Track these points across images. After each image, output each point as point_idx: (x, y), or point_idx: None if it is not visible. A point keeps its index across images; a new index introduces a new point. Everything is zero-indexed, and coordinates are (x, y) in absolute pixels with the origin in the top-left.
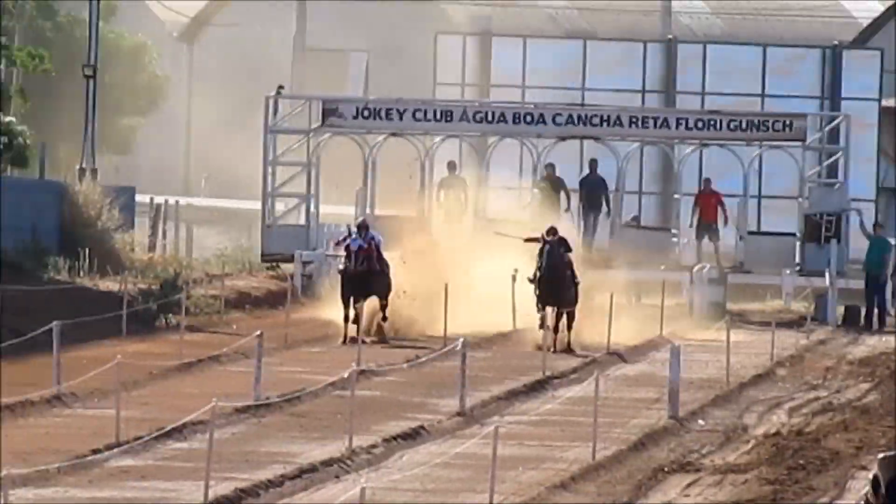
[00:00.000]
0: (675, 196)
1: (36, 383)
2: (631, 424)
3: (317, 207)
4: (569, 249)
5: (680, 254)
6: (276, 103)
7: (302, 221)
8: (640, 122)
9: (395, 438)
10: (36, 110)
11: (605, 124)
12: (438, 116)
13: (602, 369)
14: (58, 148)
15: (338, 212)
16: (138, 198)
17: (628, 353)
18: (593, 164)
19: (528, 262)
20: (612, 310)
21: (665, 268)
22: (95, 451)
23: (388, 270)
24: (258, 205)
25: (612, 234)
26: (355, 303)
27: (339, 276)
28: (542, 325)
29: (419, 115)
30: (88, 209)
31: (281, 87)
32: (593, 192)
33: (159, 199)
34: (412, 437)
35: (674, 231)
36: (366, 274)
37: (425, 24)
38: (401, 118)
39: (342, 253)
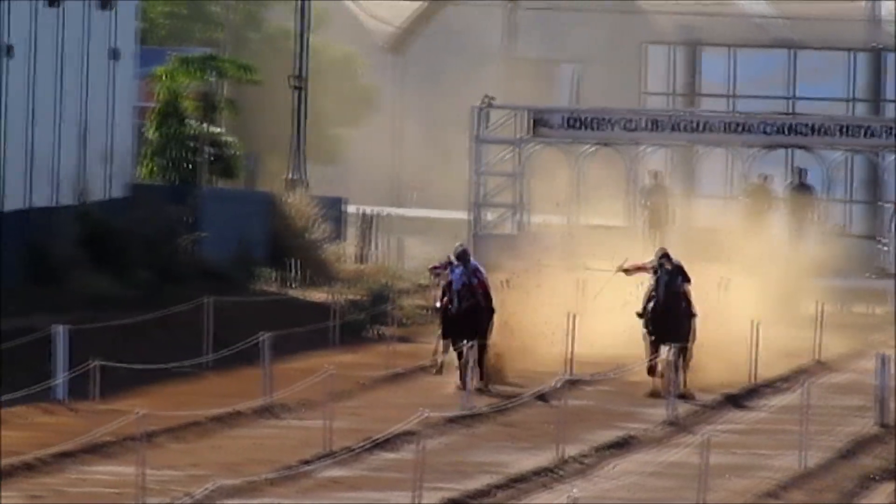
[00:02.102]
0: (880, 204)
1: (245, 394)
2: (839, 432)
3: (527, 217)
4: (686, 279)
5: (885, 262)
6: (484, 113)
7: (511, 230)
8: (848, 131)
9: (605, 447)
10: (244, 121)
11: (813, 133)
12: (646, 126)
13: (810, 378)
14: (266, 159)
15: (546, 221)
16: (348, 208)
17: (835, 361)
18: (801, 173)
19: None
20: (820, 318)
21: (871, 276)
22: (305, 462)
23: (492, 305)
24: (467, 215)
25: (819, 243)
26: (457, 344)
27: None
28: (650, 371)
29: (627, 124)
30: (297, 220)
31: (489, 97)
32: (801, 201)
33: (369, 210)
34: (622, 445)
35: (880, 239)
36: (471, 311)
37: (633, 34)
38: (609, 128)
39: (438, 285)
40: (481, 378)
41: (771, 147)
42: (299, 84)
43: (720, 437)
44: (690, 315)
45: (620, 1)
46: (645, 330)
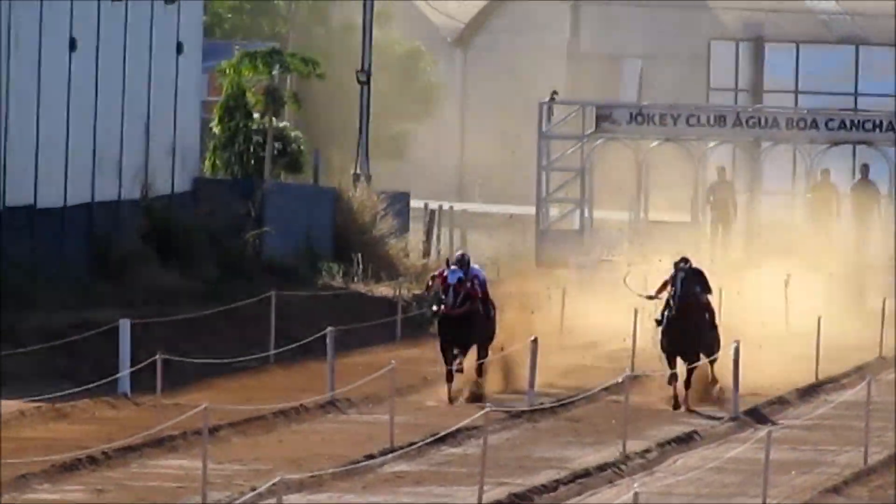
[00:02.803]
0: None
1: (310, 389)
2: None
3: (590, 213)
4: (707, 289)
5: None
6: (549, 109)
7: (576, 226)
8: None
9: (668, 443)
10: (309, 116)
11: (877, 129)
12: (711, 122)
13: (874, 374)
14: (331, 153)
15: (612, 217)
16: (412, 203)
17: None
18: (865, 169)
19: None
20: (884, 314)
21: None
22: (369, 457)
23: (493, 314)
24: (532, 210)
25: (883, 238)
26: (454, 350)
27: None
28: (670, 381)
29: (692, 120)
30: (362, 215)
31: (555, 92)
32: (865, 197)
33: (433, 205)
34: (685, 441)
35: None
36: (467, 316)
37: (698, 29)
38: (674, 123)
39: (434, 289)
40: (477, 382)
41: (835, 143)
42: (365, 79)
43: (784, 433)
44: (714, 327)
45: None
46: (661, 340)
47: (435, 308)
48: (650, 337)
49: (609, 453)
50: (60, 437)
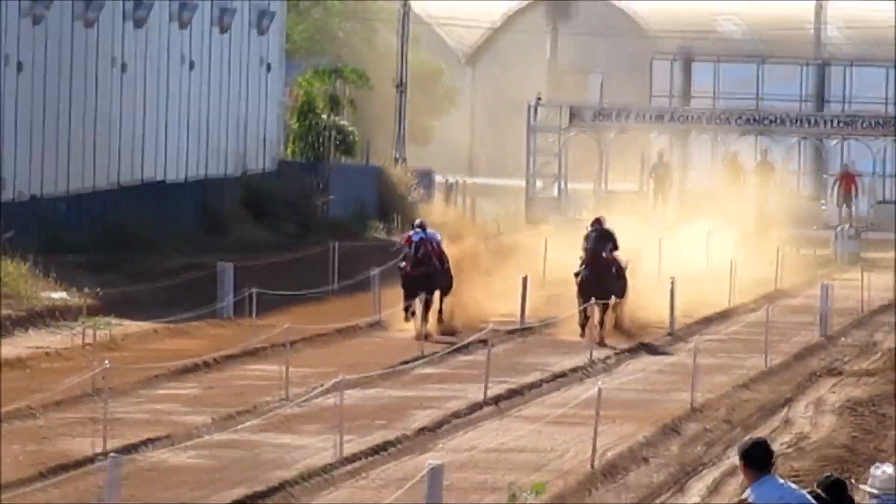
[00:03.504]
0: (824, 176)
1: (361, 313)
2: (793, 341)
3: (566, 185)
4: (615, 246)
5: (826, 218)
6: (535, 109)
7: (555, 194)
8: (799, 122)
9: (623, 352)
10: (361, 115)
11: (773, 123)
12: (653, 118)
13: (771, 301)
14: (377, 141)
15: (581, 188)
16: (436, 177)
17: (791, 289)
18: (765, 153)
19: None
20: (778, 258)
21: (816, 228)
22: (405, 363)
23: (448, 266)
24: (523, 182)
25: (779, 203)
26: (415, 299)
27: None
28: (581, 323)
29: (639, 117)
30: (400, 186)
31: (539, 97)
32: (765, 173)
33: (451, 179)
34: (636, 351)
35: (823, 201)
36: (425, 274)
37: (644, 51)
38: (626, 119)
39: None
40: (440, 322)
41: (742, 134)
42: (401, 88)
43: (706, 345)
44: (620, 277)
45: (633, 27)
46: (578, 288)
47: (402, 264)
48: None
49: (578, 359)
50: (181, 349)
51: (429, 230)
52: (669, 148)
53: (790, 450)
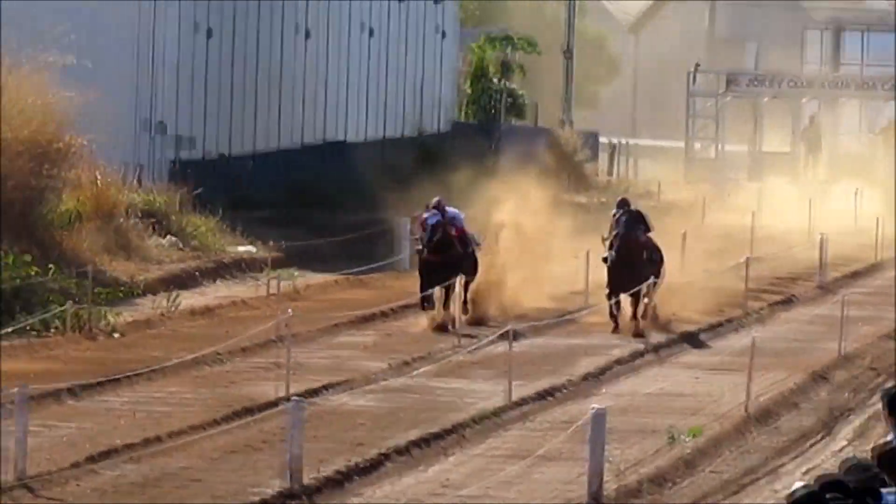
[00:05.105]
0: None
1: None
2: None
3: (722, 146)
4: (648, 228)
5: None
6: (694, 76)
7: (713, 155)
8: None
9: (775, 304)
10: (530, 79)
11: None
12: (805, 84)
13: None
14: (545, 105)
15: (736, 149)
16: (600, 139)
17: None
18: None
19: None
20: None
21: None
22: (569, 312)
23: (472, 250)
24: (682, 144)
25: None
26: (434, 286)
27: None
28: (612, 314)
29: (792, 83)
30: (567, 147)
31: (698, 64)
32: None
33: (614, 140)
34: (788, 302)
35: None
36: (444, 261)
37: (796, 21)
38: (779, 86)
39: (417, 235)
40: (465, 312)
41: (888, 100)
42: (568, 55)
43: (853, 297)
44: (652, 262)
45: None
46: (607, 278)
47: (418, 248)
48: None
49: (734, 312)
50: (359, 299)
51: (450, 210)
52: (819, 112)
53: None
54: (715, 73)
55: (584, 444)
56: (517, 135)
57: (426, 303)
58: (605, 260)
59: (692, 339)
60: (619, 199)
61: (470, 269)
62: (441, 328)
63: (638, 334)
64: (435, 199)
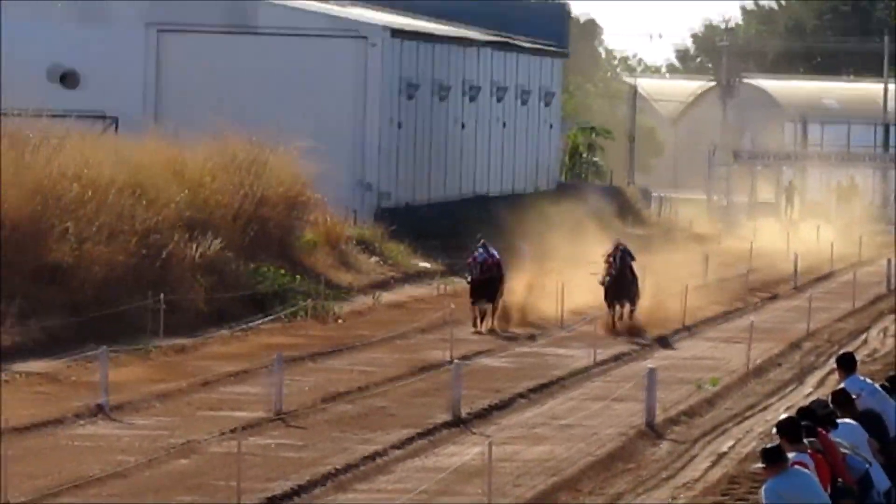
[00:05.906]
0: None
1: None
2: (869, 292)
3: (731, 197)
4: (632, 258)
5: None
6: (714, 153)
7: (725, 203)
8: None
9: (766, 299)
10: (606, 154)
11: None
12: (783, 158)
13: (856, 268)
14: (617, 171)
15: (740, 199)
16: (652, 193)
17: (869, 261)
18: None
19: None
20: (860, 242)
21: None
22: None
23: (502, 275)
24: (705, 196)
25: None
26: (478, 302)
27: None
28: (610, 319)
29: (775, 158)
30: (631, 198)
31: (715, 145)
32: None
33: (661, 194)
34: (773, 298)
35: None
36: (488, 281)
37: None
38: (768, 159)
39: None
40: (491, 323)
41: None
42: (631, 138)
43: (817, 294)
44: (635, 283)
45: (768, 100)
46: (605, 293)
47: (469, 278)
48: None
49: (739, 303)
50: None
51: (490, 249)
52: (794, 176)
53: (867, 359)
54: (725, 151)
55: (643, 390)
56: (598, 191)
57: (474, 303)
58: (601, 283)
59: (711, 322)
60: (615, 241)
61: (500, 292)
62: (482, 332)
63: (632, 329)
64: (481, 241)
